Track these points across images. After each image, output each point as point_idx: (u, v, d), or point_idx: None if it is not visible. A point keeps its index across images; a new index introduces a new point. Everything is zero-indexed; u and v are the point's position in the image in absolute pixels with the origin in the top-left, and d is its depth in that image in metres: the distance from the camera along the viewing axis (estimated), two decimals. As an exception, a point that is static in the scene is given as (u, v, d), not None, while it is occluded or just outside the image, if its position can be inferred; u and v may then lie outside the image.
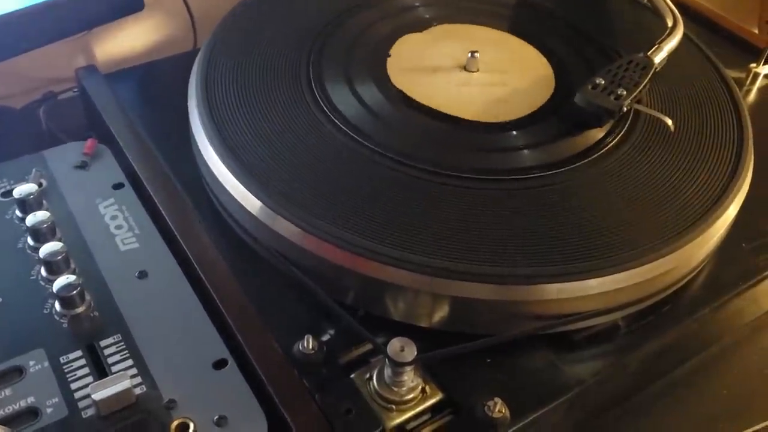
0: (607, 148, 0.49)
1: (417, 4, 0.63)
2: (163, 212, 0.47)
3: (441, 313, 0.42)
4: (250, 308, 0.42)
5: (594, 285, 0.41)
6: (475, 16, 0.62)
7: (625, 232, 0.43)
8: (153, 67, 0.63)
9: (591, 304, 0.41)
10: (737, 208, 0.47)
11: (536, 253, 0.42)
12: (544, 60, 0.57)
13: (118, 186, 0.48)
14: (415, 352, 0.38)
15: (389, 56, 0.56)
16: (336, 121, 0.50)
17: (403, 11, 0.62)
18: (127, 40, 0.68)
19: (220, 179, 0.46)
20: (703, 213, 0.45)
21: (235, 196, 0.45)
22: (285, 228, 0.43)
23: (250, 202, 0.44)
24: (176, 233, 0.46)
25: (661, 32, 0.57)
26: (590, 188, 0.47)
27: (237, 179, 0.45)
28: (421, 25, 0.60)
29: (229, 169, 0.45)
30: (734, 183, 0.47)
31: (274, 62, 0.54)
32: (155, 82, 0.62)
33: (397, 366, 0.37)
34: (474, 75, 0.55)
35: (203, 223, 0.47)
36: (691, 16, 0.71)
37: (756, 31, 0.68)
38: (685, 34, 0.59)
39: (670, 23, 0.58)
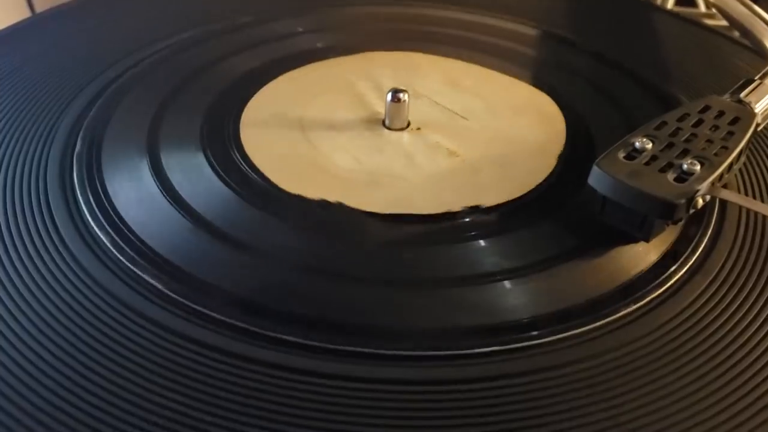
0: (662, 288, 0.25)
1: (301, 29, 0.39)
2: None
3: None
4: None
5: None
6: (423, 43, 0.38)
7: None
8: None
9: None
10: None
11: None
12: (553, 107, 0.32)
13: None
14: None
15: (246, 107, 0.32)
16: (101, 233, 0.26)
17: (280, 39, 0.38)
18: None
19: None
20: None
21: None
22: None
23: None
24: None
25: (753, 72, 0.31)
26: (627, 383, 0.22)
27: None
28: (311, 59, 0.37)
29: None
30: None
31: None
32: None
33: None
34: (400, 135, 0.30)
35: None
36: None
37: None
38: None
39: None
